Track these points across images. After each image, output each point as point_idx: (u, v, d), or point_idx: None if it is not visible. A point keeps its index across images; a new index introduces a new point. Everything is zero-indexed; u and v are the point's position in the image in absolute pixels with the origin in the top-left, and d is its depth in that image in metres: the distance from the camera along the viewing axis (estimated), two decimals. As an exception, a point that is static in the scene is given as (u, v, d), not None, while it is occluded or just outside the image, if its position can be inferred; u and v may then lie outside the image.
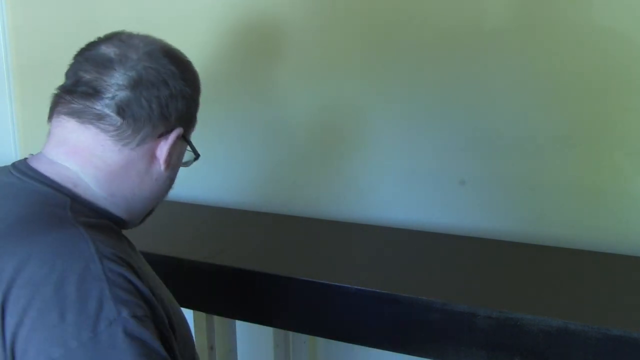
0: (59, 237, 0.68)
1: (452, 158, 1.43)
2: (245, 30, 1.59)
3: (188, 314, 1.30)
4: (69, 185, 0.75)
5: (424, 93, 1.43)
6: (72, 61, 0.80)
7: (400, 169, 1.48)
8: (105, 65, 0.76)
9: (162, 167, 0.80)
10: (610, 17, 1.24)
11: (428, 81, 1.42)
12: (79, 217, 0.71)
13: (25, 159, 0.80)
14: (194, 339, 1.33)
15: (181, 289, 1.26)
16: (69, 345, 0.60)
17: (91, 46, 0.80)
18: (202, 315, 1.33)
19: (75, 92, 0.76)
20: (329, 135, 1.56)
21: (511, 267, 1.23)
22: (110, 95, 0.75)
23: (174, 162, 0.83)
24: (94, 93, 0.75)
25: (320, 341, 1.67)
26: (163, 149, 0.80)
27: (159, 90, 0.77)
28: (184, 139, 0.84)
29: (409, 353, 1.09)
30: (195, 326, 1.34)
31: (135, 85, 0.75)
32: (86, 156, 0.76)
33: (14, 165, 0.79)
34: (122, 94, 0.75)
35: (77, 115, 0.76)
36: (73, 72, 0.78)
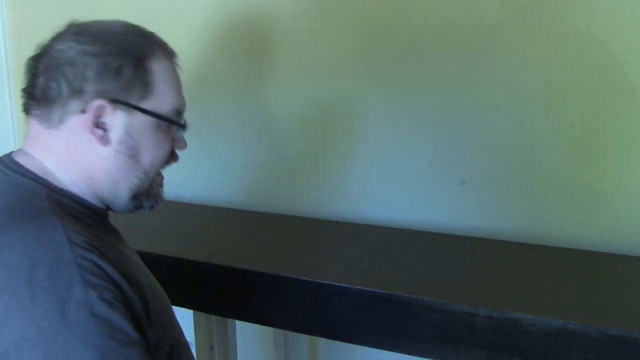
0: (34, 227, 0.72)
1: (452, 158, 1.43)
2: (239, 28, 1.59)
3: (188, 314, 1.31)
4: (41, 174, 0.79)
5: (424, 92, 1.43)
6: None
7: (399, 169, 1.48)
8: (38, 58, 0.81)
9: (96, 141, 0.78)
10: (611, 17, 1.24)
11: (428, 80, 1.42)
12: (55, 207, 0.75)
13: (11, 153, 0.83)
14: (194, 339, 1.34)
15: (181, 289, 1.27)
16: (40, 325, 0.65)
17: None
18: (202, 315, 1.33)
19: (26, 89, 0.82)
20: (329, 135, 1.56)
21: (511, 267, 1.23)
22: (34, 84, 0.80)
23: (121, 136, 0.79)
24: (30, 86, 0.80)
25: (320, 341, 1.67)
26: (87, 123, 0.78)
27: (64, 67, 0.78)
28: (128, 105, 0.78)
29: (408, 353, 1.09)
30: (195, 326, 1.34)
31: (46, 69, 0.79)
32: (39, 144, 0.80)
33: (0, 159, 0.83)
34: (39, 81, 0.79)
35: (25, 108, 0.82)
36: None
